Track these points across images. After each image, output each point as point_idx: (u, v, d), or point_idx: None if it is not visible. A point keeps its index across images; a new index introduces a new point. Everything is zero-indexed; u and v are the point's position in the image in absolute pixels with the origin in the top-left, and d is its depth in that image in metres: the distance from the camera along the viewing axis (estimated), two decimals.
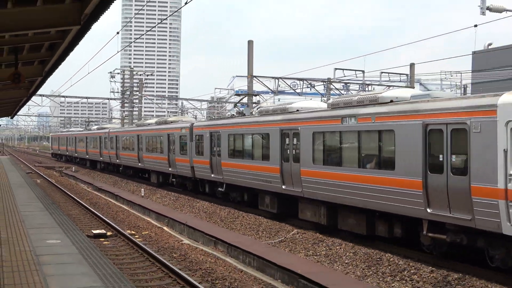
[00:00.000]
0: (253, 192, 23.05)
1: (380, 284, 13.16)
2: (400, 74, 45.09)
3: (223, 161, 24.73)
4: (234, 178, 23.91)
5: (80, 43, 12.26)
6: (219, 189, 25.62)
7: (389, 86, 43.95)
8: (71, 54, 14.12)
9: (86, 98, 56.47)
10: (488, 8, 18.31)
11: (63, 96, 57.41)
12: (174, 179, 32.20)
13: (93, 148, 51.49)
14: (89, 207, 25.93)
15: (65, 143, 68.72)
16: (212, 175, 26.09)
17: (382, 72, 43.36)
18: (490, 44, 69.56)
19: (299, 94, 41.45)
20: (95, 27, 10.46)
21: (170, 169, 31.83)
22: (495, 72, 53.78)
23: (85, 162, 57.57)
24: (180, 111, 75.92)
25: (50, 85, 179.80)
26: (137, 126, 41.33)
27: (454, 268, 13.07)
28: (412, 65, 44.37)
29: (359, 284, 12.94)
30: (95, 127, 59.51)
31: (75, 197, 30.04)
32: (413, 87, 45.06)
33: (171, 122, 33.27)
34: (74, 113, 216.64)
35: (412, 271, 13.37)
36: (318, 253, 16.07)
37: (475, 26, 22.16)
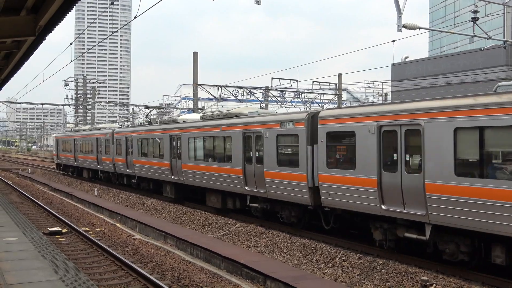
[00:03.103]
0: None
1: (315, 270, 13.30)
2: (330, 83, 45.89)
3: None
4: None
5: (35, 52, 11.86)
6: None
7: (320, 93, 44.74)
8: (27, 62, 13.64)
9: (42, 104, 54.70)
10: (404, 26, 18.85)
11: (19, 103, 55.24)
12: None
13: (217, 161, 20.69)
14: (45, 206, 25.04)
15: (93, 149, 35.66)
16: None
17: (314, 81, 44.03)
18: (406, 57, 71.99)
19: (240, 101, 41.51)
20: (50, 37, 10.13)
21: None
22: (411, 82, 55.64)
23: (158, 186, 26.82)
24: (131, 116, 74.59)
25: (7, 91, 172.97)
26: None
27: (379, 255, 13.38)
28: (340, 75, 45.24)
29: (296, 271, 13.03)
30: (196, 115, 25.59)
31: (32, 197, 28.97)
32: (341, 95, 46.03)
33: None
34: (30, 119, 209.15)
35: (342, 258, 13.58)
36: (259, 244, 16.10)
37: (393, 41, 22.84)
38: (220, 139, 20.35)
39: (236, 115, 20.23)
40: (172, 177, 23.99)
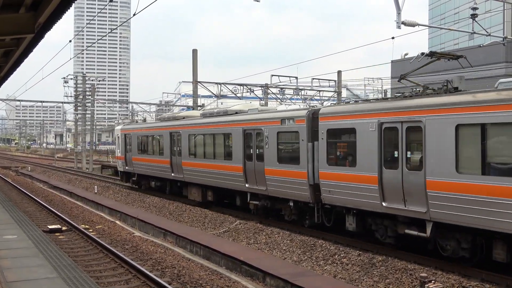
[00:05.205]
0: None
1: (314, 267, 13.33)
2: (329, 80, 45.85)
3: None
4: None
5: (34, 50, 11.85)
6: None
7: (320, 91, 44.71)
8: (26, 60, 13.63)
9: (41, 102, 54.62)
10: (403, 23, 18.78)
11: (18, 100, 55.16)
12: None
13: None
14: (45, 204, 25.05)
15: (233, 152, 19.12)
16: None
17: (313, 79, 43.98)
18: (406, 54, 71.79)
19: (239, 98, 41.50)
20: (49, 35, 10.12)
21: None
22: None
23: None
24: (130, 114, 74.55)
25: (6, 89, 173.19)
26: None
27: (378, 252, 13.40)
28: (339, 72, 45.21)
29: (295, 268, 13.06)
30: None
31: (31, 195, 28.98)
32: (341, 92, 46.01)
33: None
34: (29, 116, 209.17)
35: (342, 255, 13.61)
36: (258, 241, 16.12)
37: (393, 38, 22.78)
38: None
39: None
40: None
